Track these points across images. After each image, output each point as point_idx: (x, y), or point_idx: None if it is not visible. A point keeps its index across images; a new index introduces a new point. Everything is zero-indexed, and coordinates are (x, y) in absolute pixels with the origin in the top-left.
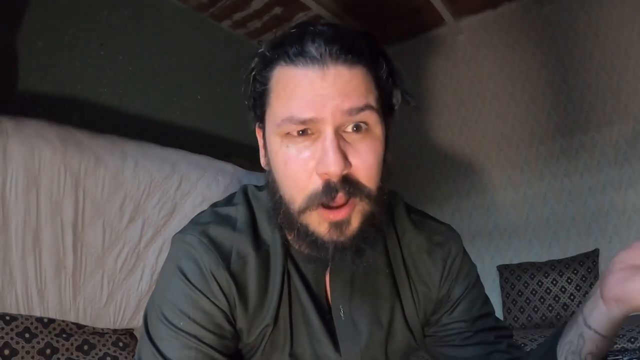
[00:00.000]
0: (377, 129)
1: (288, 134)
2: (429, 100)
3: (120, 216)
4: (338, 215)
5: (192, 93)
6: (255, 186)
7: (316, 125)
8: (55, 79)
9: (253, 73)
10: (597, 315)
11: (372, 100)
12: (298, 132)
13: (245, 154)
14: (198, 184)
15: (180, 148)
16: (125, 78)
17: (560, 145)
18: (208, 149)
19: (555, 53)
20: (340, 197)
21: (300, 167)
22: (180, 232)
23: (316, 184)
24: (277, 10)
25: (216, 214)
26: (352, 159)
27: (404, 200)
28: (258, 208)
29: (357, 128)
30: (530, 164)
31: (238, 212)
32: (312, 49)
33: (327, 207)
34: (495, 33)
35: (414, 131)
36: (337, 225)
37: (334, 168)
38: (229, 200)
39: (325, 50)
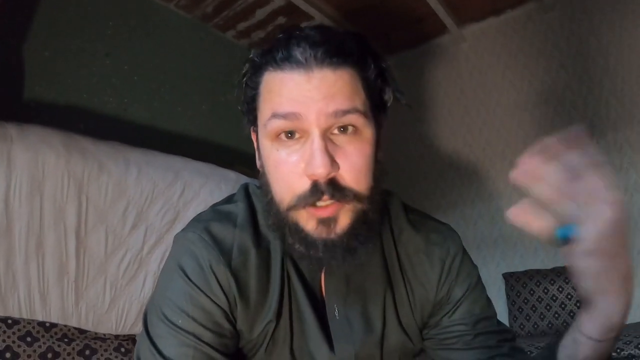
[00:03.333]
0: (366, 130)
1: (277, 136)
2: (432, 108)
3: (123, 222)
4: (324, 212)
5: (197, 102)
6: (256, 185)
7: (302, 126)
8: (61, 88)
9: (244, 79)
10: (586, 321)
11: (358, 103)
12: (286, 134)
13: (249, 162)
14: (201, 191)
15: (184, 157)
16: (130, 87)
17: None
18: (213, 158)
19: (558, 59)
20: (325, 199)
21: (290, 169)
22: (182, 230)
23: (305, 185)
24: (281, 20)
25: (217, 211)
26: (340, 161)
27: (402, 200)
28: (258, 205)
29: (345, 130)
30: None
31: (239, 209)
32: (297, 53)
33: (315, 206)
34: (498, 41)
35: (418, 140)
36: (325, 222)
37: (320, 170)
38: (229, 199)
39: (310, 54)
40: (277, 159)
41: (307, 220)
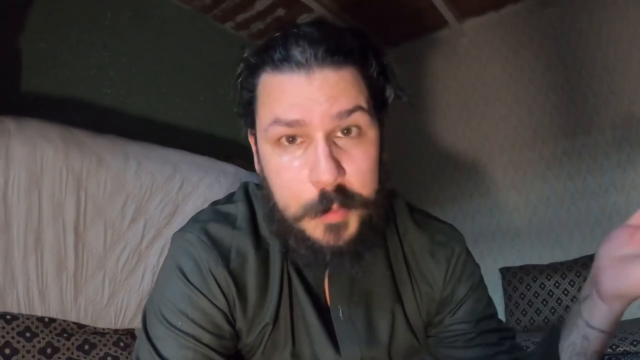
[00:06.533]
0: (371, 131)
1: (278, 141)
2: (431, 102)
3: (122, 217)
4: (334, 217)
5: (195, 94)
6: (256, 184)
7: (305, 131)
8: (58, 80)
9: (240, 80)
10: (599, 315)
11: (362, 101)
12: (288, 138)
13: (247, 155)
14: (200, 185)
15: (182, 149)
16: (127, 79)
17: (563, 147)
18: (210, 150)
19: (558, 55)
20: (335, 208)
21: (293, 175)
22: (180, 230)
23: (311, 193)
24: (280, 11)
25: (216, 211)
26: (346, 166)
27: (405, 199)
28: (258, 205)
29: (349, 132)
30: (533, 166)
31: (238, 210)
32: (296, 53)
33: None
34: (498, 35)
35: (416, 133)
36: (334, 228)
37: (326, 176)
38: (229, 198)
39: (310, 53)
40: (278, 164)
41: (315, 228)
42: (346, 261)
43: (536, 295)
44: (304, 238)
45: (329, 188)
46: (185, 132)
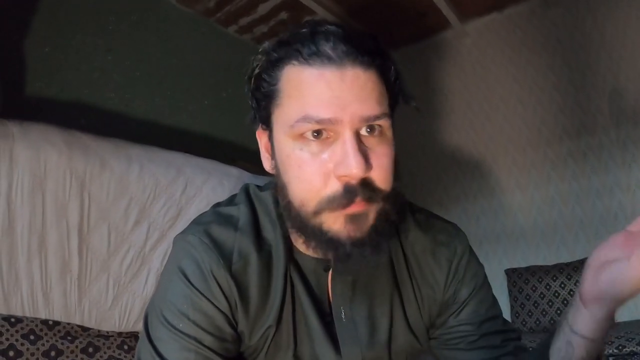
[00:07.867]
0: (389, 132)
1: (302, 135)
2: (435, 103)
3: (126, 220)
4: (357, 208)
5: (199, 98)
6: (257, 186)
7: (333, 127)
8: (62, 84)
9: (257, 72)
10: (581, 319)
11: (386, 107)
12: (313, 134)
13: (251, 158)
14: (203, 188)
15: (186, 152)
16: (131, 83)
17: (567, 148)
18: (215, 154)
19: (562, 55)
20: (359, 200)
21: (316, 169)
22: (182, 232)
23: (334, 187)
24: (283, 15)
25: (218, 213)
26: (372, 162)
27: (408, 199)
28: (260, 207)
29: (372, 130)
30: (537, 167)
31: (240, 212)
32: (327, 48)
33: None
34: (501, 36)
35: (421, 135)
36: (355, 219)
37: (356, 170)
38: (230, 201)
39: (342, 50)
40: (300, 158)
41: (335, 221)
42: (367, 251)
43: (542, 296)
44: (321, 232)
45: (354, 182)
46: (189, 136)
